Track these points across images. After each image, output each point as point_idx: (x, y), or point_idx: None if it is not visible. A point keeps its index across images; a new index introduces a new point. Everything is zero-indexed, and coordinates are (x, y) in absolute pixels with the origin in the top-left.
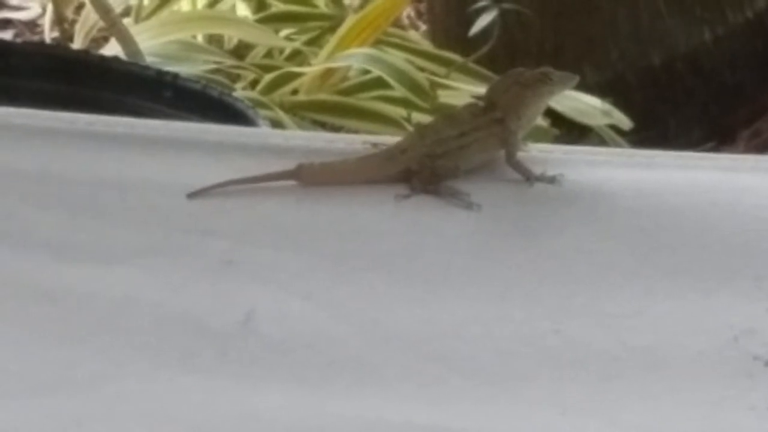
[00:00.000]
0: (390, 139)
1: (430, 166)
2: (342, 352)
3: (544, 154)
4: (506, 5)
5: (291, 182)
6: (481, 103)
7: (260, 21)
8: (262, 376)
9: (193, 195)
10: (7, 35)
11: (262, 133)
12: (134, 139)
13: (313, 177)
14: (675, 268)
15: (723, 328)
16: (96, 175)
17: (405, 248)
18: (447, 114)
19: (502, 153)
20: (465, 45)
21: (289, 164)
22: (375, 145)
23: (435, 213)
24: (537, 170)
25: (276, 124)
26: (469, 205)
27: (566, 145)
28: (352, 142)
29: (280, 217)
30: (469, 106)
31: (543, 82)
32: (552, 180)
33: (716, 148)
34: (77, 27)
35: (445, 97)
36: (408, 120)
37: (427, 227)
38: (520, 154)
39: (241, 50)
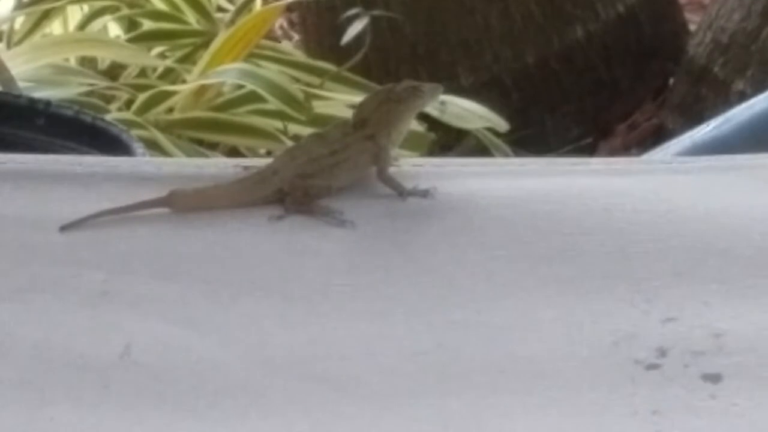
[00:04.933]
0: (261, 161)
1: (302, 186)
2: (227, 378)
3: (415, 168)
4: (377, 12)
5: (164, 210)
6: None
7: (132, 40)
8: (147, 407)
9: (66, 227)
10: None
11: (133, 161)
12: (5, 174)
13: (186, 203)
14: (554, 276)
15: (604, 334)
16: None
17: (282, 270)
18: (317, 133)
19: (373, 170)
20: (339, 53)
21: (161, 192)
22: (246, 168)
23: (310, 233)
24: (409, 184)
25: (151, 144)
26: (342, 223)
27: (444, 148)
28: (224, 167)
29: (155, 245)
30: (339, 124)
31: (415, 96)
32: (425, 193)
33: (594, 144)
34: None
35: (320, 107)
36: (284, 132)
37: (303, 247)
38: (392, 170)
39: (114, 70)
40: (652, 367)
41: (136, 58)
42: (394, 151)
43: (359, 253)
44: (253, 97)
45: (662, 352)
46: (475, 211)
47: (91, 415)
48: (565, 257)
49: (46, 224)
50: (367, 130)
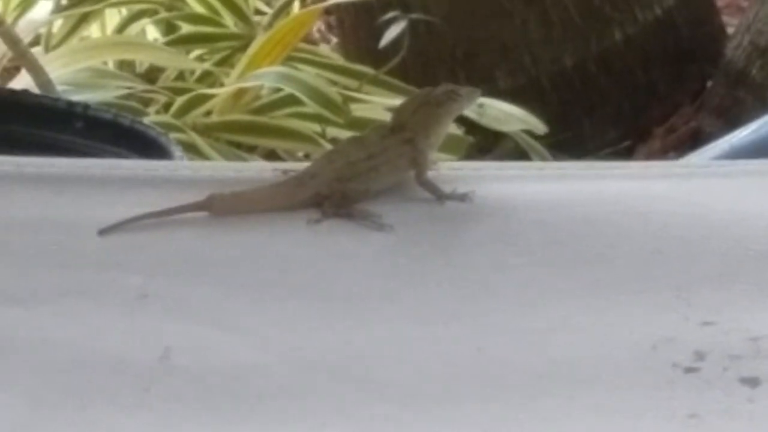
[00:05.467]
0: (299, 164)
1: (341, 189)
2: (265, 382)
3: (453, 172)
4: (415, 15)
5: (202, 213)
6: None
7: (170, 43)
8: (187, 411)
9: (104, 231)
10: None
11: (171, 165)
12: (43, 178)
13: (225, 207)
14: (592, 280)
15: (642, 337)
16: (6, 217)
17: (321, 273)
18: (355, 137)
19: (411, 173)
20: (376, 57)
21: (199, 195)
22: (285, 171)
23: (348, 236)
24: (447, 188)
25: (190, 147)
26: (381, 227)
27: (482, 151)
28: (261, 170)
29: (194, 249)
30: (377, 128)
31: (453, 100)
32: (463, 197)
33: (632, 147)
34: None
35: (358, 110)
36: (322, 136)
37: (342, 251)
38: (430, 173)
39: (152, 73)
40: (690, 370)
41: (174, 62)
42: (433, 155)
43: (398, 257)
44: (291, 101)
45: (700, 356)
46: (513, 215)
47: (131, 419)
48: (603, 261)
49: (85, 228)
50: (406, 134)
